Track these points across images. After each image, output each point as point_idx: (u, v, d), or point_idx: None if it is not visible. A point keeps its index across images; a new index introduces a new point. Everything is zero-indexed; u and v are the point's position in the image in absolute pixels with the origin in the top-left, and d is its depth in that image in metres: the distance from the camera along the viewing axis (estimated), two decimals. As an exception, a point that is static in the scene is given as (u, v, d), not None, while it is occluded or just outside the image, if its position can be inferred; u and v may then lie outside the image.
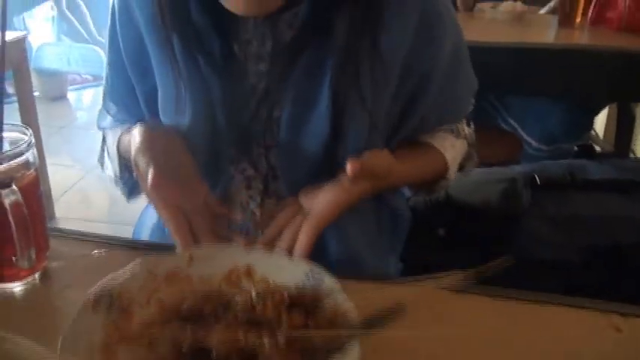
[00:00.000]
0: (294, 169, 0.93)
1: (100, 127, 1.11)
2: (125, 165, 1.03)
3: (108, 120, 1.09)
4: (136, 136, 0.85)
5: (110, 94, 1.07)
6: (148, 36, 0.92)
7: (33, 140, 0.79)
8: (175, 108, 0.93)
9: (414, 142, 1.02)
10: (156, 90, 0.96)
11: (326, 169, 0.89)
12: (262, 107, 0.92)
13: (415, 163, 0.99)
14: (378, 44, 0.86)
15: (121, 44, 0.98)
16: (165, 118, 0.96)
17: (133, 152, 0.84)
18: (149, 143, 0.83)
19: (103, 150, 1.11)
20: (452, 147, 1.03)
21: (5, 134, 0.78)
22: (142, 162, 0.81)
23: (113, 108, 1.07)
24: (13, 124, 0.80)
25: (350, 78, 0.85)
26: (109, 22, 0.99)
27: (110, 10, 0.98)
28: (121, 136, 1.02)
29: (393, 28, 0.87)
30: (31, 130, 0.80)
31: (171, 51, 0.89)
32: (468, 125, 1.09)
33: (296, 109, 0.89)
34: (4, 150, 0.77)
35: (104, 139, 1.10)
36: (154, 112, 0.98)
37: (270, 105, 0.91)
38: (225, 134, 0.93)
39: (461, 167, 1.09)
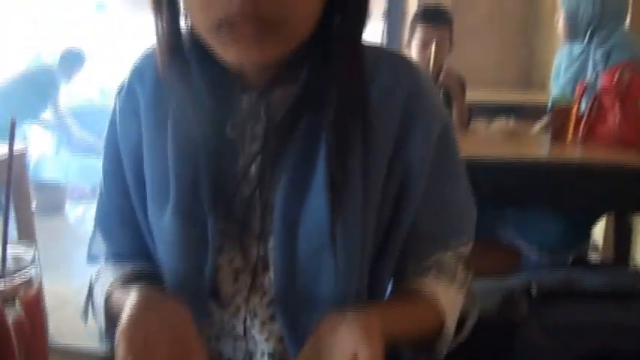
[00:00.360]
0: (288, 258, 0.86)
1: (90, 260, 1.04)
2: (112, 324, 0.88)
3: (99, 252, 1.01)
4: (128, 303, 0.75)
5: (102, 213, 1.01)
6: (146, 119, 0.91)
7: (37, 257, 0.78)
8: (161, 192, 0.88)
9: (404, 291, 0.94)
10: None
11: (322, 255, 0.84)
12: (255, 192, 0.87)
13: (406, 316, 0.90)
14: (368, 126, 0.84)
15: (120, 145, 0.94)
16: (152, 214, 0.91)
17: (120, 323, 0.73)
18: (141, 318, 0.73)
19: (88, 298, 1.01)
20: (445, 294, 0.93)
21: (9, 250, 0.78)
22: (124, 343, 0.70)
23: (105, 232, 1.00)
24: (17, 241, 0.81)
25: (342, 161, 0.82)
26: (106, 130, 0.96)
27: (110, 115, 0.96)
28: (112, 288, 0.92)
29: (382, 111, 0.85)
30: (35, 247, 0.80)
31: (164, 129, 0.88)
32: (466, 269, 0.99)
33: (290, 193, 0.84)
34: (7, 266, 0.76)
35: (90, 288, 1.01)
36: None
37: (263, 189, 0.87)
38: (214, 221, 0.86)
39: (459, 324, 0.97)
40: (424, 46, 2.76)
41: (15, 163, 2.78)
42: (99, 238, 1.01)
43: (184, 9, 0.81)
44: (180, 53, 0.84)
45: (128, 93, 0.94)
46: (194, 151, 0.86)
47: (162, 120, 0.88)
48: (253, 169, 0.87)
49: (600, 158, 2.21)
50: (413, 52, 2.83)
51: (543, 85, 4.59)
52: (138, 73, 0.94)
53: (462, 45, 2.96)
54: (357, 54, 0.83)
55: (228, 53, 0.77)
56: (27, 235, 2.83)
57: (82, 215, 5.34)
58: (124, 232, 0.97)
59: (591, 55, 2.60)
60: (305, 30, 0.78)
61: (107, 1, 6.29)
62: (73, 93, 7.10)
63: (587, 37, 2.63)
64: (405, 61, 0.90)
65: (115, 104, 0.95)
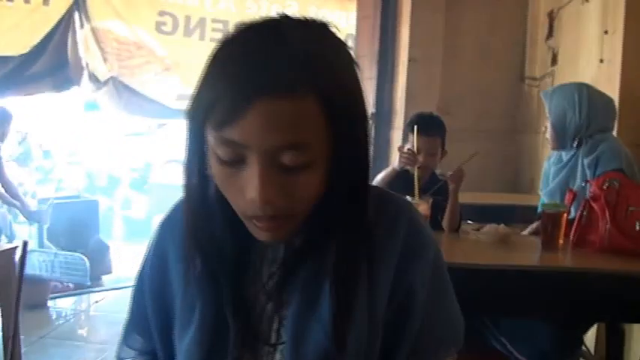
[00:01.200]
0: None
1: (119, 358, 1.15)
2: None
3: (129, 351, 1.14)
4: None
5: (132, 319, 1.13)
6: (174, 255, 1.05)
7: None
8: (187, 311, 0.99)
9: None
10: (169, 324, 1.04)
11: None
12: (267, 306, 0.98)
13: None
14: (372, 256, 0.97)
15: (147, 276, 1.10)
16: (177, 331, 1.02)
17: None
18: None
19: None
20: None
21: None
22: None
23: (135, 336, 1.13)
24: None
25: (349, 285, 0.93)
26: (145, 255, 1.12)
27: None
28: None
29: (386, 247, 0.98)
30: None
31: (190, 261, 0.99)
32: None
33: (301, 309, 0.95)
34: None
35: None
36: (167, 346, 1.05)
37: (278, 304, 0.97)
38: (233, 335, 0.96)
39: None
40: (416, 153, 2.81)
41: (3, 258, 2.78)
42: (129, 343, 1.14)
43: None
44: (207, 197, 0.96)
45: (159, 237, 1.10)
46: (218, 272, 0.98)
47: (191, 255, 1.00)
48: (270, 286, 0.99)
49: (592, 266, 2.22)
50: None
51: (529, 189, 4.64)
52: (168, 219, 1.11)
53: (446, 147, 3.02)
54: (361, 202, 0.95)
55: (256, 235, 0.92)
56: (10, 330, 2.78)
57: (63, 311, 5.26)
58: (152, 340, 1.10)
59: (579, 162, 2.63)
60: (311, 209, 0.92)
61: (99, 100, 6.39)
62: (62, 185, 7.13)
63: (575, 145, 2.67)
64: (402, 202, 1.06)
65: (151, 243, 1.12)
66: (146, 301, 1.09)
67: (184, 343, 0.99)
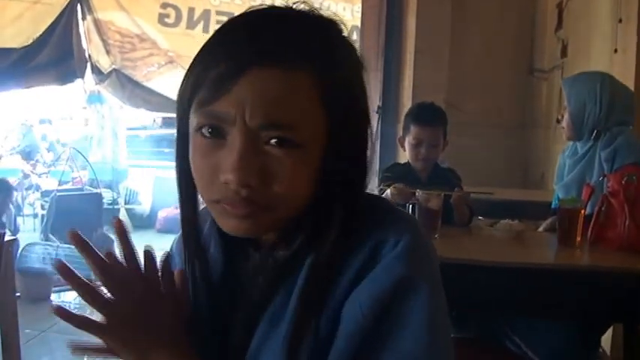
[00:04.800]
0: None
1: None
2: None
3: None
4: None
5: None
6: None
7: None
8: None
9: None
10: None
11: None
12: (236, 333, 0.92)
13: None
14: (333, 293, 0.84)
15: None
16: None
17: None
18: None
19: None
20: None
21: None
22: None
23: None
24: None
25: (302, 325, 0.83)
26: None
27: None
28: None
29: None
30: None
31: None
32: None
33: (261, 341, 0.87)
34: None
35: None
36: None
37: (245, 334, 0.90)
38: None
39: None
40: (417, 144, 2.76)
41: (3, 249, 2.75)
42: None
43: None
44: (198, 226, 0.95)
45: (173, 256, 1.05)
46: (206, 296, 0.95)
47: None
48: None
49: (610, 264, 2.16)
50: (407, 150, 2.83)
51: (539, 184, 4.58)
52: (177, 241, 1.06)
53: (454, 142, 2.96)
54: (345, 228, 0.85)
55: (224, 224, 0.85)
56: (9, 324, 2.76)
57: (66, 305, 5.22)
58: None
59: (596, 156, 2.56)
60: (296, 208, 0.85)
61: (103, 92, 6.39)
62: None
63: (592, 138, 2.59)
64: (405, 223, 0.87)
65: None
66: None
67: None
